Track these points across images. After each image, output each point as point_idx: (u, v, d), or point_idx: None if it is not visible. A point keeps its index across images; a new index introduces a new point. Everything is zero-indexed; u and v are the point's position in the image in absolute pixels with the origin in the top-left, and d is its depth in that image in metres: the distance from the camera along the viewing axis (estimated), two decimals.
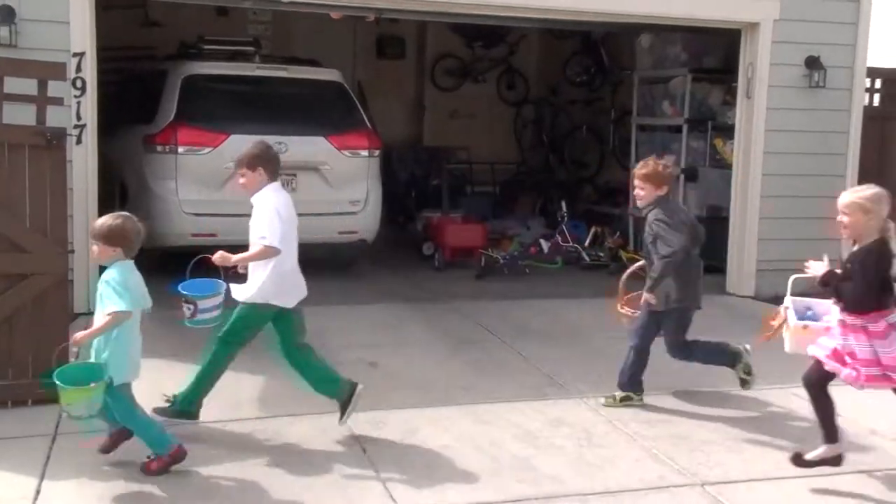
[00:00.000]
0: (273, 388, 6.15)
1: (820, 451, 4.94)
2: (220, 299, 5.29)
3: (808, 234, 9.65)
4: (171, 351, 6.38)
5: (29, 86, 5.78)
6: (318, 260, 10.33)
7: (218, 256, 5.25)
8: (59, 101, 5.95)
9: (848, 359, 4.79)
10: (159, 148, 8.81)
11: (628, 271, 6.49)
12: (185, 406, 5.40)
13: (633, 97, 11.57)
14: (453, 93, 14.68)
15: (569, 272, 10.38)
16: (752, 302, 9.30)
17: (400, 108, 14.44)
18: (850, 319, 4.77)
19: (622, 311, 6.27)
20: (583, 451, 5.30)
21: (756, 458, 5.29)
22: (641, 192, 5.91)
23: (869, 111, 10.32)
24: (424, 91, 14.84)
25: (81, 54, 7.43)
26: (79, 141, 7.43)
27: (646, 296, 5.86)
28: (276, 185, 5.48)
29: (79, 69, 7.41)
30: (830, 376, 4.88)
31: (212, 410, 5.67)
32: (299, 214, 10.00)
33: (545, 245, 10.51)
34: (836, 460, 4.95)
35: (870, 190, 4.79)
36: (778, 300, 9.33)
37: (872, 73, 10.53)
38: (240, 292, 5.35)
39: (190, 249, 8.93)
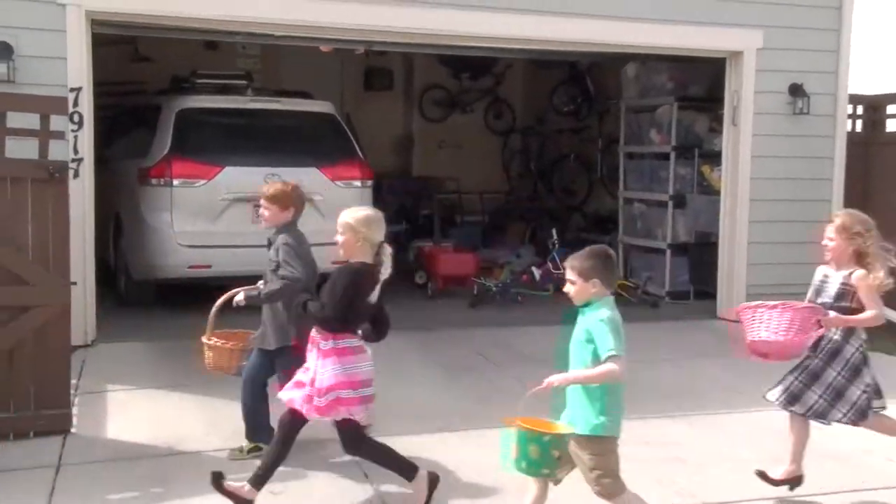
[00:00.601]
0: (272, 416, 6.17)
1: None
2: None
3: (797, 258, 9.75)
4: (172, 381, 6.41)
5: (28, 120, 5.85)
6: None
7: None
8: (60, 136, 6.00)
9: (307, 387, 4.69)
10: (154, 181, 8.86)
11: (220, 301, 5.57)
12: None
13: (621, 126, 11.72)
14: (441, 123, 14.82)
15: (561, 300, 10.39)
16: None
17: (388, 139, 14.53)
18: (319, 339, 4.72)
19: (208, 342, 5.55)
20: None
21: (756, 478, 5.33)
22: (266, 213, 5.48)
23: (852, 137, 10.49)
24: (412, 122, 14.98)
25: (78, 89, 7.49)
26: (76, 175, 7.45)
27: (237, 298, 5.39)
28: None
29: (76, 104, 7.45)
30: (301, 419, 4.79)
31: (213, 440, 5.72)
32: None
33: (537, 273, 10.55)
34: None
35: (364, 212, 4.77)
36: None
37: (854, 99, 10.73)
38: None
39: (186, 281, 9.12)
